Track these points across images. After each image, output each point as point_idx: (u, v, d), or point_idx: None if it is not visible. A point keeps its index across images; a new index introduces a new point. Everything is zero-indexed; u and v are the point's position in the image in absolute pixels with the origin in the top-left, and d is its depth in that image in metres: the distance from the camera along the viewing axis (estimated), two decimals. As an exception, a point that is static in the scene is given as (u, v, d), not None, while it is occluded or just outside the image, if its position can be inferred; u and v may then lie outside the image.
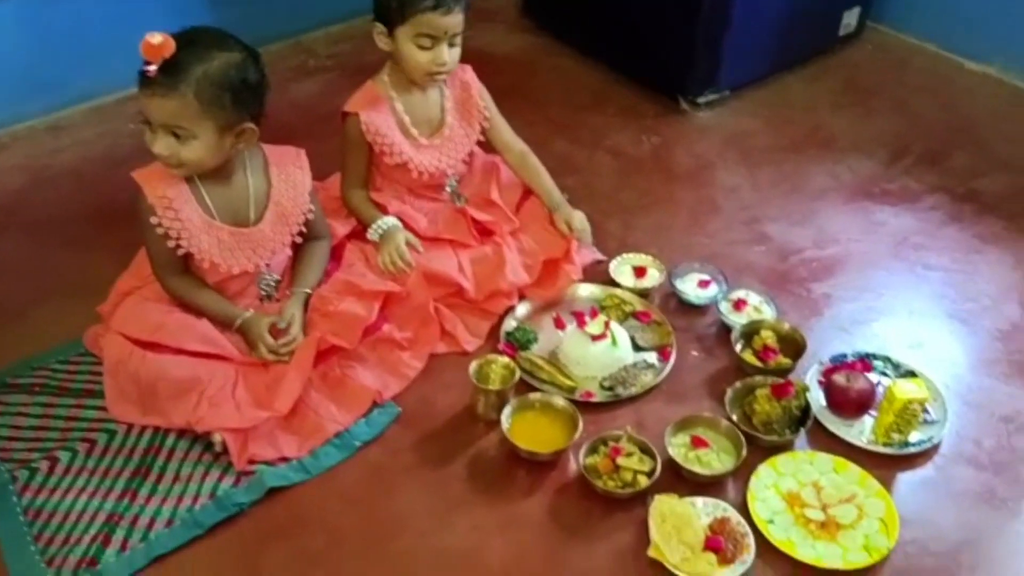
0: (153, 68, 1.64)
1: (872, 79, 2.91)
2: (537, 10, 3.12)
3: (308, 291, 1.92)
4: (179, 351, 1.75)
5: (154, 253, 1.80)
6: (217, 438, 1.71)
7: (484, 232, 2.09)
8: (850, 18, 2.92)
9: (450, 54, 1.95)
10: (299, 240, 1.91)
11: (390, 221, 1.99)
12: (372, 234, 2.00)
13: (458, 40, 1.96)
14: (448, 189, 2.14)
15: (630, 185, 2.47)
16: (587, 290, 2.09)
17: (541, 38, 3.08)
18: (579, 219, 2.13)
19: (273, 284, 1.91)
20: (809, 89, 2.85)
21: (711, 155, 2.58)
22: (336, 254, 2.02)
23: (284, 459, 1.73)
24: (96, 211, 2.32)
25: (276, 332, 1.83)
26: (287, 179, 1.88)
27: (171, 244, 1.76)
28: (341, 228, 2.07)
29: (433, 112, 2.08)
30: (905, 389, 1.73)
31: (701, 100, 2.71)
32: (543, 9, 3.10)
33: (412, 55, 1.93)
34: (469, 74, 2.13)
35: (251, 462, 1.71)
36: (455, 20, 1.91)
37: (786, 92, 2.83)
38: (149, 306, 1.82)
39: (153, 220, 1.74)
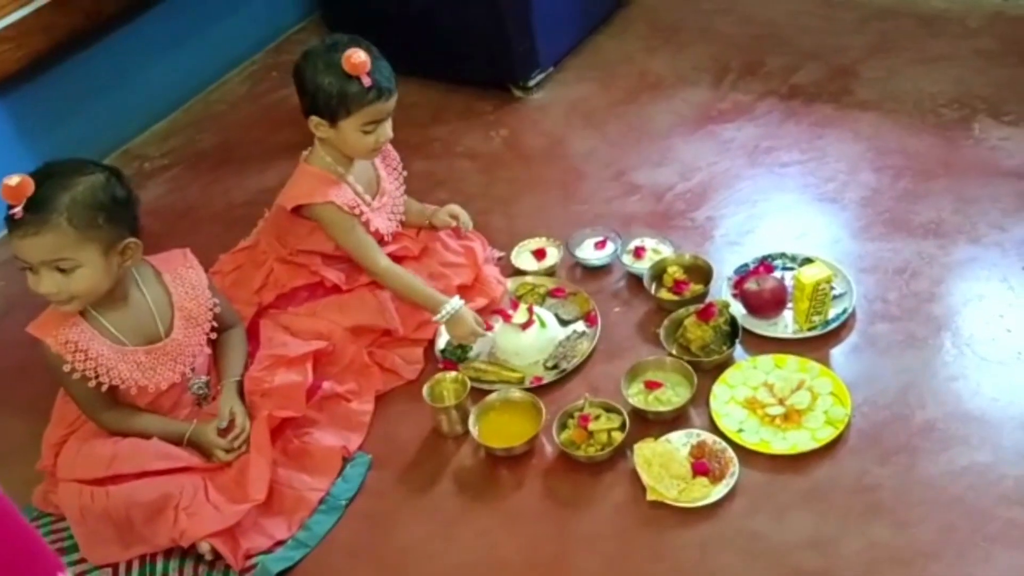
0: (19, 209, 1.61)
1: (671, 16, 3.08)
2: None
3: (238, 379, 1.92)
4: (141, 475, 1.73)
5: (78, 397, 1.77)
6: (205, 547, 1.69)
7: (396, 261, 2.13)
8: (634, -31, 3.09)
9: (390, 127, 1.98)
10: (213, 336, 1.91)
11: (456, 303, 1.97)
12: (442, 317, 1.97)
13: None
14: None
15: (496, 179, 2.56)
16: (498, 287, 2.17)
17: (361, 73, 3.12)
18: (454, 210, 2.20)
19: (204, 385, 1.90)
20: (621, 42, 3.01)
21: (559, 129, 2.70)
22: (252, 334, 2.02)
23: (279, 543, 1.73)
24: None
25: (224, 432, 1.82)
26: (183, 282, 1.87)
27: (91, 384, 1.73)
28: (248, 308, 2.07)
29: (371, 174, 2.09)
30: (810, 274, 1.88)
31: (531, 83, 2.83)
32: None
33: (358, 141, 1.94)
34: None
35: (247, 557, 1.71)
36: (394, 100, 1.95)
37: (602, 52, 2.98)
38: (93, 443, 1.78)
39: (66, 368, 1.71)
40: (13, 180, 1.60)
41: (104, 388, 1.74)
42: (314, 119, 1.93)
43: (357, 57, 1.85)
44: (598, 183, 2.47)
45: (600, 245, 2.19)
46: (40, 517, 1.85)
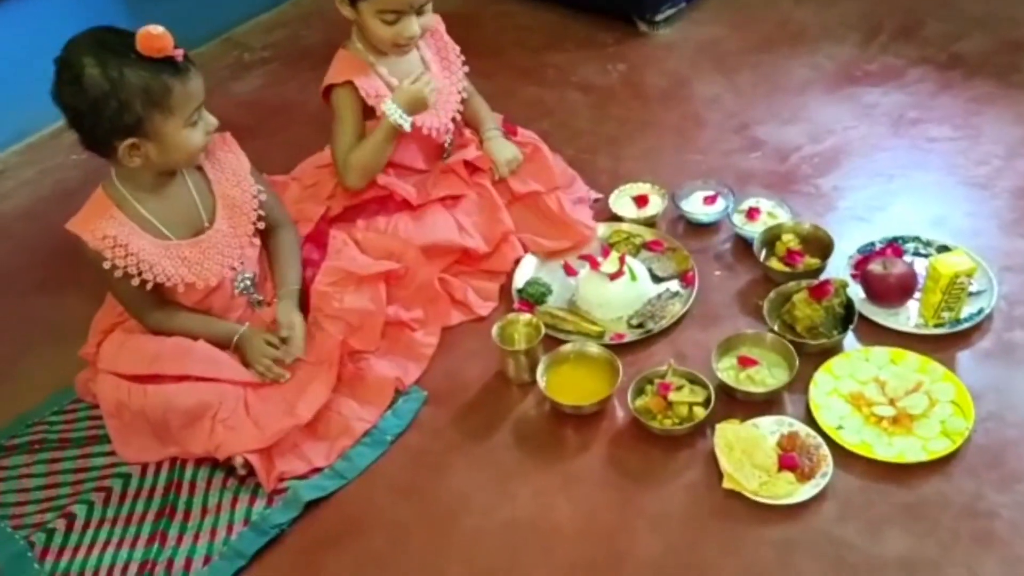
0: (180, 52, 1.50)
1: (826, -35, 2.80)
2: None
3: (297, 287, 1.78)
4: (182, 378, 1.62)
5: (122, 296, 1.66)
6: (239, 460, 1.58)
7: (471, 172, 1.97)
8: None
9: (420, 23, 1.81)
10: (261, 226, 1.76)
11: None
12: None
13: (428, 7, 1.83)
14: (445, 153, 2.01)
15: (608, 116, 2.36)
16: (591, 230, 1.98)
17: (482, -11, 2.93)
18: (501, 151, 1.99)
19: (251, 282, 1.77)
20: (766, -14, 2.74)
21: (683, 71, 2.47)
22: (321, 241, 1.88)
23: (316, 469, 1.61)
24: (59, 250, 2.13)
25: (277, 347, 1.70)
26: (222, 167, 1.73)
27: (135, 282, 1.61)
28: (316, 210, 1.93)
29: (418, 69, 1.93)
30: (950, 263, 1.64)
31: (659, 18, 2.59)
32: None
33: (377, 29, 1.79)
34: (435, 21, 1.97)
35: (281, 479, 1.59)
36: None
37: (744, -8, 2.72)
38: (138, 338, 1.68)
39: (106, 265, 1.59)
40: (159, 29, 1.48)
41: (149, 286, 1.62)
42: None
43: None
44: (718, 133, 2.24)
45: (710, 200, 1.98)
46: (78, 401, 1.78)
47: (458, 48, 2.00)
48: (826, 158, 2.12)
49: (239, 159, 1.75)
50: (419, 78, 1.84)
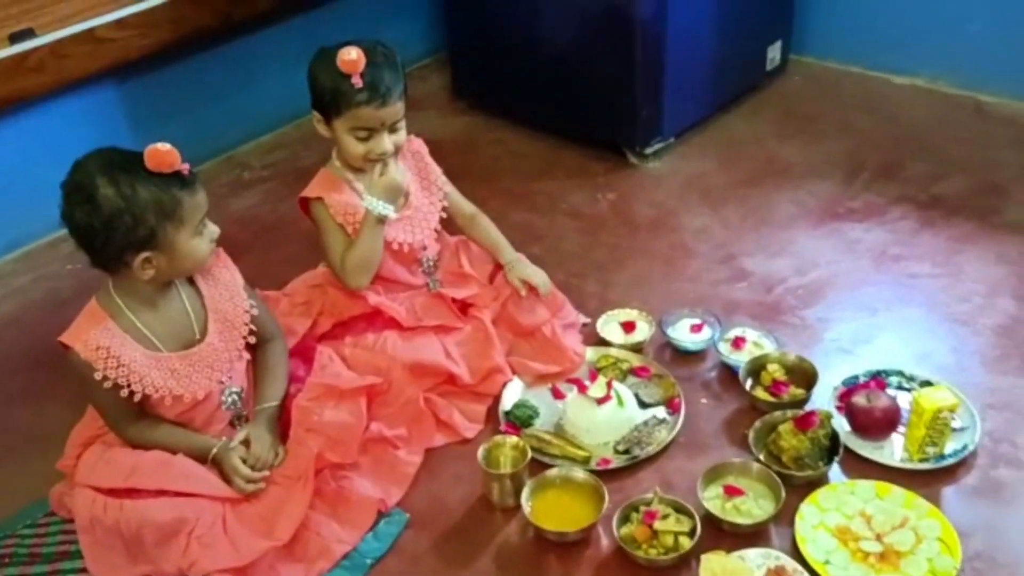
0: (187, 166, 1.57)
1: (809, 106, 2.92)
2: (468, 90, 3.08)
3: (274, 404, 1.78)
4: (159, 493, 1.59)
5: (106, 408, 1.65)
6: (212, 583, 1.54)
7: (463, 309, 1.99)
8: (773, 52, 2.94)
9: (392, 140, 1.87)
10: (251, 341, 1.76)
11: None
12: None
13: (401, 125, 1.89)
14: (424, 266, 2.03)
15: (598, 243, 2.40)
16: (578, 355, 1.99)
17: (477, 117, 3.03)
18: (538, 273, 2.03)
19: (238, 397, 1.76)
20: (751, 124, 2.84)
21: (671, 202, 2.54)
22: (307, 356, 1.89)
23: (292, 593, 1.56)
24: (43, 359, 2.14)
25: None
26: (216, 281, 1.75)
27: (124, 393, 1.60)
28: (301, 324, 1.94)
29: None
30: (933, 398, 1.65)
31: (648, 151, 2.68)
32: (474, 88, 3.06)
33: (350, 146, 1.86)
34: (418, 143, 2.05)
35: (255, 603, 1.55)
36: (392, 111, 1.83)
37: (729, 130, 2.82)
38: (116, 451, 1.66)
39: (96, 376, 1.58)
40: (166, 146, 1.53)
41: (137, 398, 1.62)
42: (315, 113, 1.88)
43: (348, 55, 1.76)
44: (705, 263, 2.29)
45: (696, 328, 2.00)
46: (51, 514, 1.74)
47: (439, 170, 2.06)
48: (811, 290, 2.16)
49: (232, 274, 1.77)
50: (383, 169, 1.87)
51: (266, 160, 2.94)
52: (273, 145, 3.00)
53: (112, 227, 1.52)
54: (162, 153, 1.51)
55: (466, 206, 2.09)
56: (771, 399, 1.81)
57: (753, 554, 1.54)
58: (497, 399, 1.90)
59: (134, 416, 1.67)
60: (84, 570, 1.62)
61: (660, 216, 2.49)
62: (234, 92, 2.92)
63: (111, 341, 1.60)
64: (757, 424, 1.74)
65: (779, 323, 2.06)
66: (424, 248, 2.00)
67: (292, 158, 2.92)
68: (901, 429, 1.73)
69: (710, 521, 1.60)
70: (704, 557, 1.52)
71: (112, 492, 1.60)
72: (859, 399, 1.74)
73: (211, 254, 1.67)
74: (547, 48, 2.69)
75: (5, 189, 2.50)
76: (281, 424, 1.78)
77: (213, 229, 1.65)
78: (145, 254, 1.55)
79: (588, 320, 2.10)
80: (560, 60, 2.68)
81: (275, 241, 2.53)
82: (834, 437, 1.70)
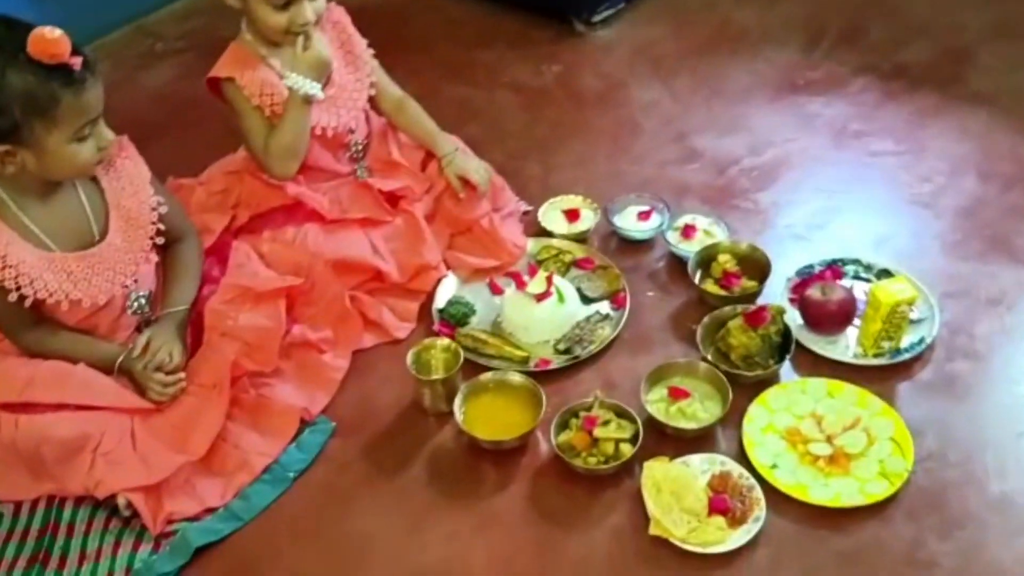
0: (79, 59, 1.34)
1: (769, -36, 2.71)
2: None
3: (183, 308, 1.63)
4: (59, 407, 1.46)
5: None
6: (122, 501, 1.43)
7: (392, 201, 1.83)
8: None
9: (313, 8, 1.66)
10: (159, 241, 1.60)
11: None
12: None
13: None
14: (351, 151, 1.85)
15: (541, 119, 2.24)
16: (518, 245, 1.86)
17: (412, -19, 2.79)
18: (477, 170, 1.85)
19: (145, 301, 1.61)
20: (707, -15, 2.64)
21: (620, 73, 2.36)
22: (223, 255, 1.73)
23: (209, 510, 1.46)
24: None
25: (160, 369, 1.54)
26: (118, 175, 1.56)
27: (12, 297, 1.44)
28: (218, 221, 1.77)
29: (318, 59, 1.77)
30: (890, 291, 1.55)
31: (596, 19, 2.48)
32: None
33: (266, 17, 1.64)
34: (339, 12, 1.84)
35: (170, 521, 1.45)
36: None
37: (684, -8, 2.62)
38: (10, 362, 1.51)
39: None
40: (55, 32, 1.32)
41: (28, 302, 1.46)
42: None
43: None
44: (654, 142, 2.14)
45: (644, 216, 1.87)
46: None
47: (365, 42, 1.85)
48: (765, 172, 2.03)
49: (138, 167, 1.59)
50: (307, 43, 1.68)
51: (181, 29, 2.70)
52: (188, 12, 2.75)
53: None
54: (48, 40, 1.30)
55: (392, 89, 1.90)
56: (722, 292, 1.70)
57: (697, 460, 1.46)
58: (430, 296, 1.78)
59: (30, 322, 1.52)
60: (-15, 490, 1.51)
61: (607, 89, 2.32)
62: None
63: None
64: (706, 320, 1.64)
65: (731, 208, 1.94)
66: (351, 131, 1.83)
67: (209, 27, 2.67)
68: (857, 322, 1.64)
69: (653, 426, 1.51)
70: (647, 465, 1.44)
71: (6, 407, 1.47)
72: (813, 292, 1.64)
73: (95, 162, 1.47)
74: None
75: None
76: (193, 329, 1.64)
77: (105, 135, 1.45)
78: (6, 147, 1.36)
79: (529, 208, 1.96)
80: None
81: (192, 121, 2.32)
82: (786, 333, 1.60)
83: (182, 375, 1.54)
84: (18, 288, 1.44)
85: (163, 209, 1.59)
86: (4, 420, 1.45)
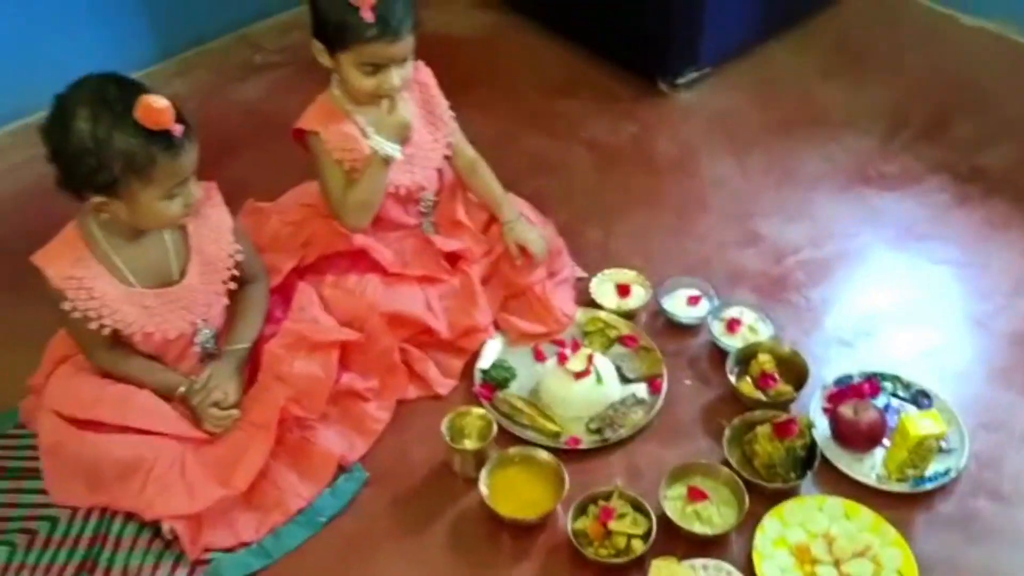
0: (180, 128, 1.45)
1: (862, 41, 2.70)
2: (502, -17, 2.88)
3: (244, 347, 1.73)
4: (121, 428, 1.59)
5: (77, 335, 1.62)
6: (166, 526, 1.56)
7: (452, 259, 1.91)
8: (840, -24, 2.69)
9: (400, 74, 1.74)
10: (232, 286, 1.71)
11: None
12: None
13: (410, 58, 1.75)
14: (422, 207, 1.94)
15: (610, 181, 2.29)
16: (568, 314, 1.92)
17: (505, 15, 2.85)
18: (535, 240, 1.91)
19: (212, 339, 1.72)
20: (796, 57, 2.64)
21: (695, 141, 2.39)
22: (287, 295, 1.83)
23: (243, 543, 1.57)
24: (33, 247, 2.10)
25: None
26: (203, 221, 1.67)
27: (92, 326, 1.57)
28: (287, 262, 1.86)
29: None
30: (919, 425, 1.57)
31: (681, 81, 2.51)
32: (508, -18, 2.86)
33: (356, 80, 1.73)
34: (425, 73, 1.91)
35: (206, 550, 1.56)
36: (403, 46, 1.69)
37: (771, 63, 2.62)
38: (83, 379, 1.64)
39: (66, 306, 1.55)
40: (161, 102, 1.43)
41: (106, 332, 1.58)
42: (316, 43, 1.74)
43: None
44: (718, 220, 2.17)
45: (693, 300, 1.91)
46: (21, 427, 1.75)
47: (446, 104, 1.92)
48: (822, 266, 2.05)
49: (222, 216, 1.69)
50: (392, 107, 1.77)
51: (281, 42, 2.79)
52: (290, 25, 2.83)
53: (76, 162, 1.44)
54: (154, 109, 1.41)
55: (468, 150, 1.97)
56: (756, 394, 1.73)
57: (706, 565, 1.51)
58: (475, 355, 1.85)
59: (107, 345, 1.64)
60: (45, 491, 1.64)
61: (680, 157, 2.35)
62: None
63: (84, 272, 1.56)
64: (736, 421, 1.69)
65: (782, 301, 1.97)
66: (423, 189, 1.90)
67: (308, 43, 2.75)
68: (885, 442, 1.67)
69: (668, 523, 1.56)
70: (655, 563, 1.50)
71: (75, 421, 1.60)
72: (846, 409, 1.67)
73: (181, 217, 1.59)
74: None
75: (4, 58, 2.40)
76: (251, 366, 1.74)
77: (193, 193, 1.56)
78: (103, 198, 1.48)
79: (584, 275, 2.01)
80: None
81: (276, 139, 2.37)
82: (811, 448, 1.64)
83: (235, 412, 1.65)
84: (99, 318, 1.57)
85: (240, 257, 1.69)
86: (72, 433, 1.58)
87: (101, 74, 1.48)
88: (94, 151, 1.42)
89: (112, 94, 1.44)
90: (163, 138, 1.44)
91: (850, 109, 2.46)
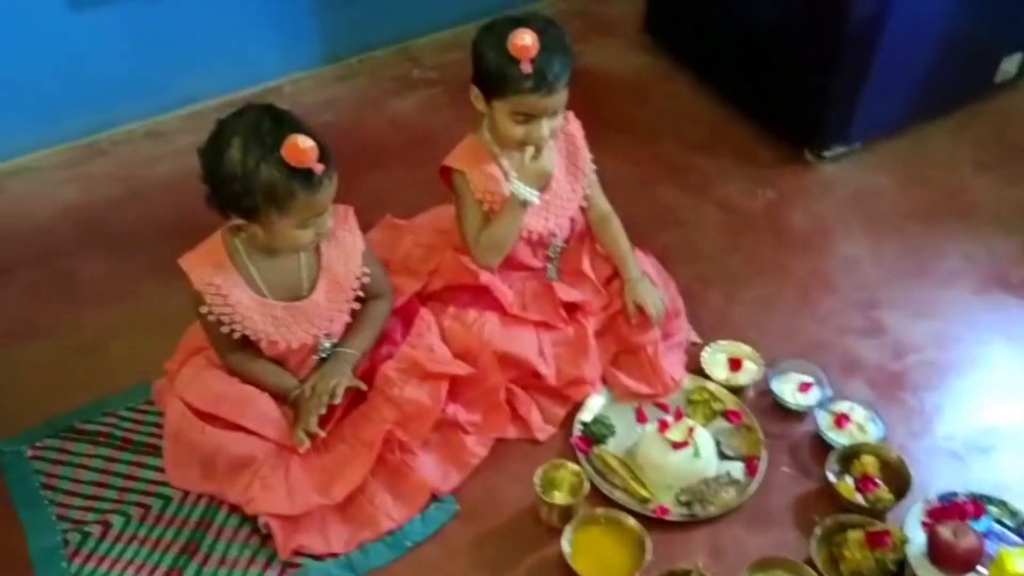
0: (322, 167, 1.55)
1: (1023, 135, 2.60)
2: (660, 27, 2.89)
3: (355, 353, 1.80)
4: (238, 426, 1.69)
5: (210, 335, 1.73)
6: (262, 521, 1.66)
7: (570, 308, 1.95)
8: (1009, 65, 2.60)
9: (549, 126, 1.79)
10: (356, 306, 1.80)
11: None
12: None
13: (561, 110, 1.80)
14: (550, 253, 1.99)
15: (738, 247, 2.28)
16: (676, 378, 1.94)
17: (660, 59, 2.86)
18: (655, 303, 1.92)
19: (330, 350, 1.81)
20: (952, 143, 2.56)
21: (831, 217, 2.36)
22: (408, 318, 1.90)
23: (332, 553, 1.66)
24: (189, 232, 2.21)
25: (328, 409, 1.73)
26: (337, 244, 1.76)
27: (224, 329, 1.68)
28: (412, 285, 1.94)
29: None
30: (1019, 562, 1.53)
31: (828, 153, 2.47)
32: (666, 27, 2.87)
33: (506, 127, 1.78)
34: (574, 125, 1.96)
35: (297, 553, 1.65)
36: (556, 100, 1.75)
37: (925, 145, 2.55)
38: (212, 373, 1.75)
39: (202, 309, 1.66)
40: (307, 142, 1.52)
41: (235, 336, 1.70)
42: (474, 89, 1.80)
43: (521, 39, 1.66)
44: (842, 304, 2.14)
45: (805, 387, 1.90)
46: (151, 403, 1.88)
47: (590, 156, 1.96)
48: (943, 369, 2.00)
49: (355, 239, 1.78)
50: (536, 154, 1.82)
51: (439, 59, 2.89)
52: (451, 44, 2.92)
53: (224, 186, 1.55)
54: (300, 149, 1.50)
55: (602, 204, 2.00)
56: (855, 498, 1.71)
57: (772, 663, 1.51)
58: (578, 406, 1.89)
59: (236, 347, 1.75)
60: (163, 470, 1.77)
61: (814, 232, 2.32)
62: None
63: (223, 280, 1.67)
64: (828, 520, 1.67)
65: (895, 400, 1.93)
66: (554, 235, 1.95)
67: (465, 63, 2.82)
68: (980, 569, 1.62)
69: (743, 613, 1.57)
70: (723, 650, 1.50)
71: (198, 412, 1.71)
72: (945, 531, 1.62)
73: (312, 245, 1.69)
74: (752, 11, 2.47)
75: (183, 44, 2.55)
76: (364, 379, 1.81)
77: (325, 224, 1.65)
78: (242, 221, 1.58)
79: (698, 341, 2.02)
80: (762, 27, 2.46)
81: (422, 157, 2.46)
82: (902, 564, 1.61)
83: (320, 433, 1.69)
84: (231, 323, 1.68)
85: (366, 280, 1.78)
86: (195, 424, 1.69)
87: (260, 106, 1.58)
88: (241, 179, 1.53)
89: (266, 128, 1.54)
90: (304, 175, 1.53)
91: (1000, 205, 2.38)
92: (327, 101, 2.74)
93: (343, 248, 1.76)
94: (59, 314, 2.14)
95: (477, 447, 1.81)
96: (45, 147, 2.56)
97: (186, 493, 1.75)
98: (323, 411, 1.70)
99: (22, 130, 2.52)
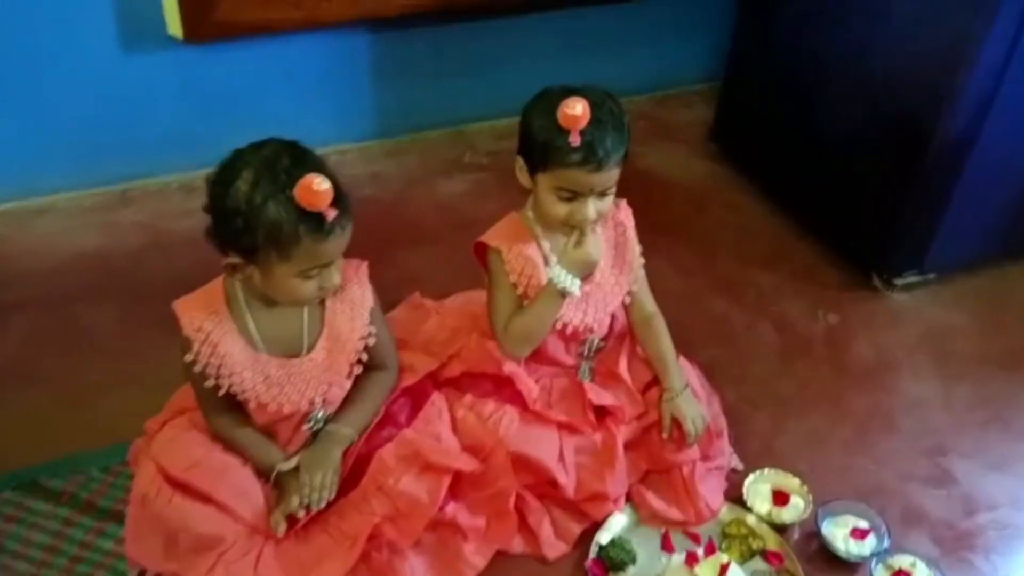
0: (334, 212, 1.40)
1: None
2: (725, 136, 2.77)
3: (348, 432, 1.60)
4: (208, 499, 1.50)
5: (196, 390, 1.56)
6: (224, 617, 1.44)
7: (600, 413, 1.74)
8: (1103, 208, 2.40)
9: (596, 207, 1.62)
10: (358, 370, 1.61)
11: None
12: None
13: (611, 191, 1.64)
14: (585, 350, 1.80)
15: (792, 372, 2.07)
16: (710, 507, 1.71)
17: (723, 168, 2.73)
18: (695, 419, 1.71)
19: (324, 422, 1.62)
20: (1035, 287, 2.36)
21: (898, 352, 2.14)
22: (418, 400, 1.71)
23: (296, 659, 1.44)
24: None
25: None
26: (344, 298, 1.59)
27: (210, 383, 1.51)
28: (426, 365, 1.75)
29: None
30: None
31: (899, 281, 2.28)
32: (732, 136, 2.74)
33: (550, 204, 1.62)
34: (625, 213, 1.79)
35: (257, 651, 1.43)
36: (605, 177, 1.58)
37: (1004, 283, 2.34)
38: (192, 436, 1.57)
39: (188, 357, 1.50)
40: (323, 184, 1.37)
41: (221, 392, 1.52)
42: (519, 160, 1.64)
43: (572, 108, 1.50)
44: (905, 446, 1.90)
45: (859, 534, 1.66)
46: (125, 465, 1.71)
47: (639, 249, 1.79)
48: (1020, 532, 1.74)
49: (364, 295, 1.61)
50: (580, 239, 1.64)
51: (493, 146, 2.79)
52: (505, 132, 2.82)
53: (226, 219, 1.40)
54: (313, 190, 1.35)
55: (648, 303, 1.81)
56: (908, 669, 1.46)
57: None
58: (597, 524, 1.67)
59: (223, 408, 1.57)
60: (122, 540, 1.58)
61: (877, 365, 2.10)
62: (481, 69, 2.79)
63: (215, 326, 1.51)
64: None
65: (962, 561, 1.68)
66: (591, 331, 1.77)
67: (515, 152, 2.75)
68: None
69: None
70: None
71: (170, 479, 1.52)
72: None
73: (314, 299, 1.52)
74: (826, 126, 2.33)
75: (228, 105, 2.50)
76: (358, 460, 1.60)
77: (332, 278, 1.48)
78: (239, 260, 1.43)
79: (740, 467, 1.80)
80: (836, 145, 2.31)
81: (464, 240, 2.34)
82: None
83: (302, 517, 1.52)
84: (217, 376, 1.51)
85: (371, 341, 1.60)
86: (163, 491, 1.50)
87: (284, 141, 1.44)
88: (244, 214, 1.38)
89: (283, 164, 1.39)
90: (315, 219, 1.38)
91: (1090, 358, 2.15)
92: (372, 175, 2.64)
93: (350, 303, 1.59)
94: (57, 360, 2.01)
95: (475, 557, 1.59)
96: (77, 189, 2.49)
97: (142, 573, 1.55)
98: (302, 514, 1.51)
99: (58, 169, 2.46)
